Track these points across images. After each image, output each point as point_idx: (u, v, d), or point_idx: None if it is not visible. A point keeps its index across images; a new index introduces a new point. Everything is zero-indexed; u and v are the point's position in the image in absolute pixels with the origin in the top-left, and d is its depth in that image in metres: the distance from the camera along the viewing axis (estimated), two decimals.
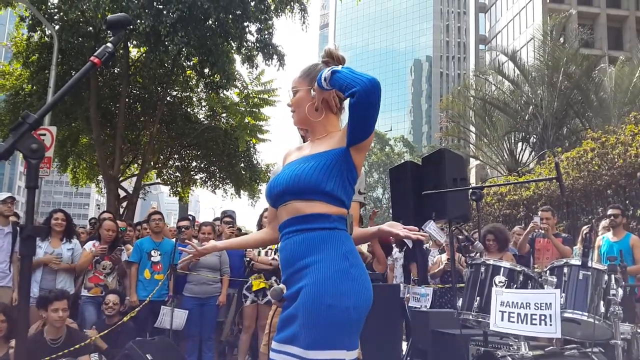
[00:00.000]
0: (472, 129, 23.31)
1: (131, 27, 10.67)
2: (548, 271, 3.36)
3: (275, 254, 5.62)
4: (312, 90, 2.04)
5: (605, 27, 32.52)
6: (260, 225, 5.90)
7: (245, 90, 15.69)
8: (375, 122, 1.91)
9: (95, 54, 1.73)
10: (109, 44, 1.75)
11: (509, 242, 4.98)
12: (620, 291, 3.05)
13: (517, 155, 21.53)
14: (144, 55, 13.01)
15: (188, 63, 13.27)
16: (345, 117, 2.14)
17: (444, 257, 6.30)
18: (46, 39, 12.93)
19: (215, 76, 12.60)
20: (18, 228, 5.47)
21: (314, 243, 1.88)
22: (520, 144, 21.80)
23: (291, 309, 1.88)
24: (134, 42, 12.61)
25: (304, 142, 2.32)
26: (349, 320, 1.79)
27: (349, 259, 1.87)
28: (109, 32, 1.84)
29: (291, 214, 1.96)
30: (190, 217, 7.08)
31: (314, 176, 1.91)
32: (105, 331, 4.83)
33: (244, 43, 12.18)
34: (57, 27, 11.79)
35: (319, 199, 1.92)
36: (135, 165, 17.03)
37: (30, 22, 12.22)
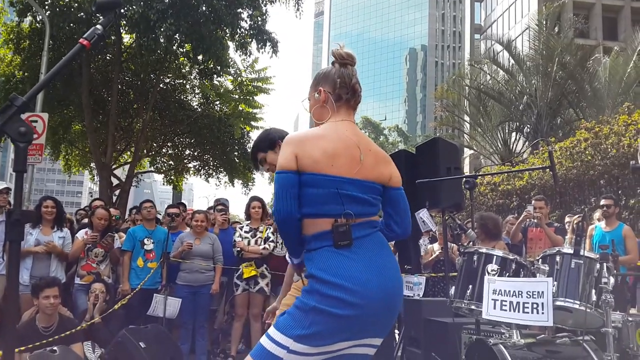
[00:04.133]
0: (467, 118, 23.29)
1: (121, 11, 10.58)
2: (540, 259, 3.36)
3: (265, 243, 5.62)
4: (315, 94, 2.14)
5: (600, 17, 32.46)
6: (248, 215, 5.91)
7: (239, 78, 15.61)
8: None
9: (84, 36, 1.69)
10: (98, 26, 1.72)
11: (491, 229, 4.94)
12: (612, 279, 3.06)
13: (511, 145, 21.56)
14: (135, 41, 12.89)
15: (181, 50, 13.16)
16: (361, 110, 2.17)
17: (436, 246, 6.32)
18: (37, 25, 12.78)
19: (209, 63, 12.51)
20: (5, 213, 5.44)
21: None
22: (514, 133, 21.82)
23: None
24: (126, 29, 12.50)
25: None
26: (306, 318, 1.88)
27: (312, 278, 1.93)
28: (100, 17, 1.81)
29: None
30: (179, 205, 7.07)
31: None
32: (97, 318, 4.81)
33: (237, 30, 12.09)
34: (48, 12, 11.63)
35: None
36: (128, 153, 16.94)
37: (21, 6, 12.05)
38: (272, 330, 1.92)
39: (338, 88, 2.10)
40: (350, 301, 1.87)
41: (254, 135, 17.17)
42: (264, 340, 1.92)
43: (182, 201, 13.82)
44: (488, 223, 4.96)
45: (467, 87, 22.36)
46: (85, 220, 7.12)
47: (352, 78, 2.14)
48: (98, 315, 4.82)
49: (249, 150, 17.05)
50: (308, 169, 1.94)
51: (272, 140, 2.69)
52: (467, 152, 28.16)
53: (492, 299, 3.11)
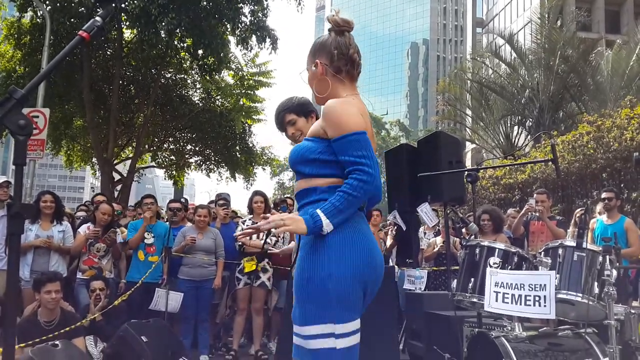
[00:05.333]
0: (469, 112, 23.24)
1: (122, 6, 10.54)
2: (543, 252, 3.36)
3: (267, 237, 5.62)
4: (312, 66, 2.06)
5: (602, 10, 32.26)
6: (250, 210, 5.90)
7: (240, 72, 15.58)
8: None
9: (83, 28, 1.68)
10: (97, 18, 1.70)
11: (503, 223, 4.97)
12: (615, 272, 3.06)
13: (513, 139, 21.50)
14: (136, 36, 12.87)
15: (182, 45, 13.14)
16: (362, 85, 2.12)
17: (439, 239, 6.31)
18: (38, 20, 12.75)
19: (209, 58, 12.48)
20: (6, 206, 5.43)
21: None
22: (516, 127, 21.76)
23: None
24: (127, 23, 12.48)
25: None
26: (326, 291, 1.76)
27: (348, 240, 1.83)
28: (100, 10, 1.80)
29: (295, 191, 2.04)
30: (183, 200, 7.07)
31: (295, 157, 1.97)
32: (97, 313, 4.82)
33: (239, 25, 12.06)
34: (48, 7, 11.60)
35: (304, 177, 1.96)
36: (130, 148, 16.94)
37: (21, 1, 12.00)
38: (306, 329, 1.79)
39: (336, 60, 2.00)
40: (374, 264, 1.87)
41: (255, 129, 17.17)
42: (304, 342, 1.79)
43: (185, 196, 13.82)
44: (501, 216, 4.98)
45: (469, 81, 22.31)
46: (81, 214, 7.13)
47: (349, 48, 2.02)
48: (99, 313, 4.82)
49: (250, 145, 17.09)
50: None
51: (310, 108, 2.58)
52: (469, 146, 28.12)
53: (494, 292, 3.10)
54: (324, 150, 1.90)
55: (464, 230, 4.83)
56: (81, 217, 6.65)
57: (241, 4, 11.99)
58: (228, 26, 12.24)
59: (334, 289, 1.76)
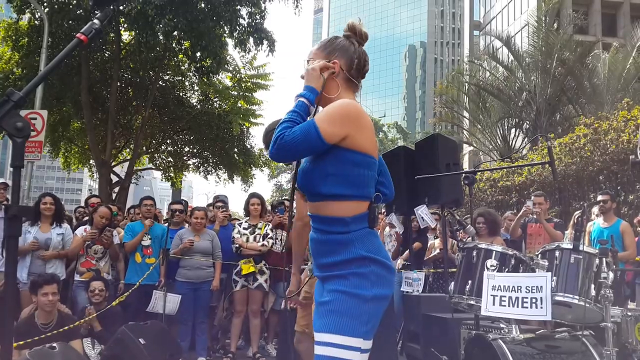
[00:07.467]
0: (466, 114, 23.28)
1: (120, 8, 10.54)
2: (540, 255, 3.37)
3: (264, 239, 5.62)
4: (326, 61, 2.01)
5: (599, 13, 32.37)
6: (247, 212, 5.91)
7: (238, 75, 15.60)
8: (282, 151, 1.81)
9: (81, 30, 1.68)
10: (95, 21, 1.69)
11: (499, 225, 4.97)
12: (611, 274, 3.06)
13: (510, 142, 21.54)
14: (134, 39, 12.88)
15: (180, 47, 13.16)
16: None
17: (437, 242, 6.32)
18: (36, 22, 12.75)
19: (207, 60, 12.50)
20: (3, 208, 5.42)
21: (332, 247, 1.86)
22: (513, 130, 21.81)
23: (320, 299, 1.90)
24: (125, 26, 12.49)
25: None
26: (365, 308, 1.79)
27: (364, 260, 1.83)
28: (98, 12, 1.80)
29: (311, 211, 1.95)
30: (182, 202, 7.07)
31: (309, 180, 1.89)
32: (94, 315, 4.81)
33: (236, 27, 12.08)
34: (46, 9, 11.61)
35: (326, 200, 1.87)
36: (128, 150, 16.93)
37: (19, 2, 12.00)
38: (330, 337, 1.76)
39: (354, 69, 1.99)
40: (392, 281, 1.90)
41: (253, 131, 17.18)
42: (328, 351, 1.75)
43: (183, 198, 13.82)
44: (496, 219, 4.98)
45: (466, 84, 22.34)
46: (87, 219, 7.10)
47: (366, 64, 2.02)
48: (97, 322, 4.80)
49: (249, 146, 17.10)
50: (369, 151, 1.87)
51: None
52: (467, 148, 28.15)
53: (492, 295, 3.11)
54: (334, 161, 1.83)
55: (460, 232, 4.84)
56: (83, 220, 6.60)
57: (238, 6, 12.01)
58: (226, 28, 12.26)
59: (370, 309, 1.79)
